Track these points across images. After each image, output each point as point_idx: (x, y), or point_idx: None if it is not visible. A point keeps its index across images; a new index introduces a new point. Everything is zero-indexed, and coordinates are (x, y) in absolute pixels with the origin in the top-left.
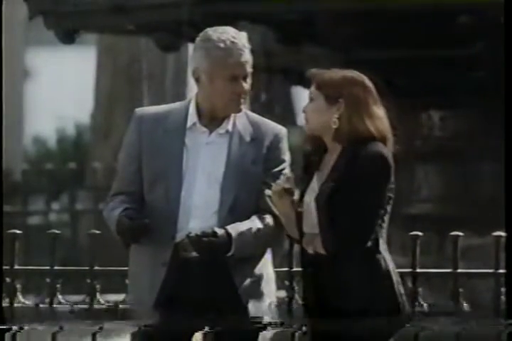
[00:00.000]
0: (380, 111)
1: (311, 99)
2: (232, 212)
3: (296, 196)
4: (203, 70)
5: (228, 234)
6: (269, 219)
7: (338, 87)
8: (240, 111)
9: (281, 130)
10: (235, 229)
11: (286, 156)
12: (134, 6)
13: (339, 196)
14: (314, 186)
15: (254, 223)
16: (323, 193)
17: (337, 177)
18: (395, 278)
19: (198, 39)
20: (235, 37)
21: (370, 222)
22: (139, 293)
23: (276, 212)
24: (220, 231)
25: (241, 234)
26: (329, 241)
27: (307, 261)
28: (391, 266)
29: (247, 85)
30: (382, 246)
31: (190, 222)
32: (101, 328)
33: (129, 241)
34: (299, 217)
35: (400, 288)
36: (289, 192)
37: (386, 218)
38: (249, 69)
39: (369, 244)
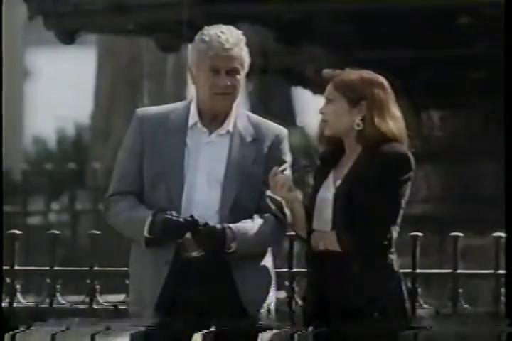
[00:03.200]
0: (397, 111)
1: (331, 101)
2: (233, 212)
3: (300, 196)
4: (191, 64)
5: (225, 228)
6: (270, 218)
7: (359, 89)
8: (227, 107)
9: (282, 131)
10: (236, 225)
11: (288, 157)
12: (134, 6)
13: (359, 194)
14: (329, 184)
15: (255, 222)
16: (342, 191)
17: (358, 176)
18: (402, 279)
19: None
20: (224, 32)
21: (390, 221)
22: (141, 292)
23: (284, 208)
24: (215, 225)
25: (242, 230)
26: (346, 239)
27: (314, 258)
28: (398, 267)
29: (233, 80)
30: (394, 248)
31: None
32: (108, 328)
33: (172, 239)
34: (309, 214)
35: (405, 290)
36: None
37: (399, 221)
38: (236, 64)
39: (385, 243)
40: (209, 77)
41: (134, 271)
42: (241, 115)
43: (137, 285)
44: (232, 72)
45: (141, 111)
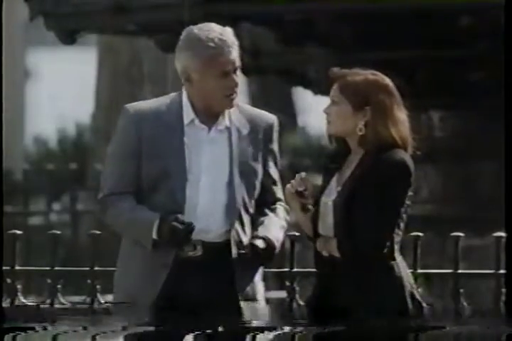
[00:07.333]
0: (402, 114)
1: (335, 102)
2: (239, 208)
3: (310, 197)
4: (193, 70)
5: (269, 241)
6: (281, 211)
7: (364, 93)
8: (233, 106)
9: (274, 119)
10: (274, 237)
11: (275, 146)
12: (135, 6)
13: (358, 200)
14: (332, 187)
15: (273, 220)
16: (341, 196)
17: (357, 182)
18: (408, 285)
19: (182, 38)
20: (223, 34)
21: (389, 228)
22: (134, 293)
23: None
24: (261, 244)
25: (278, 238)
26: (345, 245)
27: (321, 263)
28: (404, 273)
29: (237, 78)
30: (397, 253)
31: (195, 220)
32: (124, 328)
33: (177, 245)
34: (315, 218)
35: (410, 296)
36: (300, 194)
37: (402, 225)
38: (238, 63)
39: (385, 250)
40: (219, 82)
41: (128, 272)
42: (233, 108)
43: (131, 286)
44: (236, 71)
45: (131, 106)
